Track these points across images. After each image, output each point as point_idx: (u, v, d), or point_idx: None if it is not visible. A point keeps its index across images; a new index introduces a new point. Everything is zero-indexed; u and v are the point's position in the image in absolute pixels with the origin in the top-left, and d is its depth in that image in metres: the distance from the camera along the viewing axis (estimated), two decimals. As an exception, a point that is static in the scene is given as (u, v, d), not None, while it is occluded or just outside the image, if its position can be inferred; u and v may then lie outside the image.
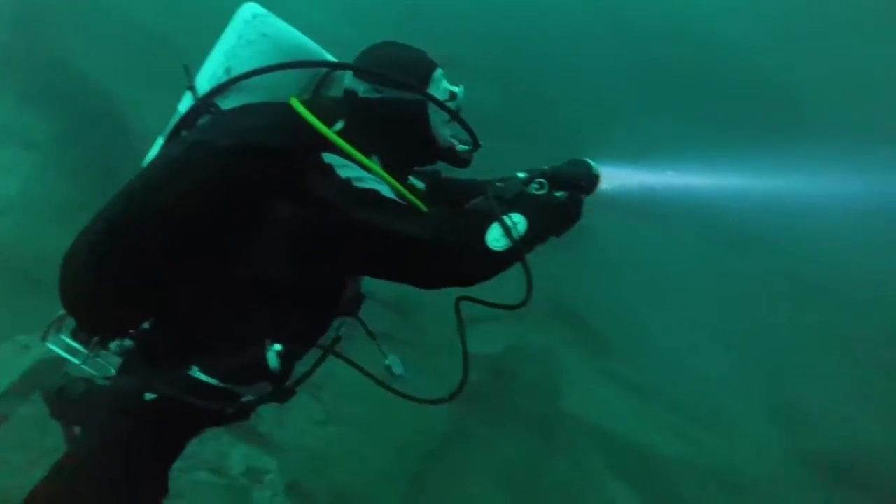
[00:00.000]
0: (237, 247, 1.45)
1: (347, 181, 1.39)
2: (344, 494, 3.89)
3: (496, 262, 1.34)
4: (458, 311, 1.52)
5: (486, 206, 1.37)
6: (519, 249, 1.31)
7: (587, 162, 1.44)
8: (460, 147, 1.66)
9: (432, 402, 1.63)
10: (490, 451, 4.99)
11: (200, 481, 3.58)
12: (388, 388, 1.70)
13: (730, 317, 8.29)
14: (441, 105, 1.55)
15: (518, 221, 1.32)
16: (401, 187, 1.47)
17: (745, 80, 11.07)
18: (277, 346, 1.41)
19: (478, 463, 4.80)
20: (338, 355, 1.74)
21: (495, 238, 1.32)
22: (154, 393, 1.40)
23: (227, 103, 1.55)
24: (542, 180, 1.39)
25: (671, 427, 6.51)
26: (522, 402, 5.73)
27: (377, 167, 1.44)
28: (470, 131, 1.64)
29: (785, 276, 8.96)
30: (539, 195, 1.38)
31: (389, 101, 1.53)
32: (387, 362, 1.78)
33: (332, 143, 1.43)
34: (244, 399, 1.49)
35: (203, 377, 1.40)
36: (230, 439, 4.08)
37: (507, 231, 1.31)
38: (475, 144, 1.67)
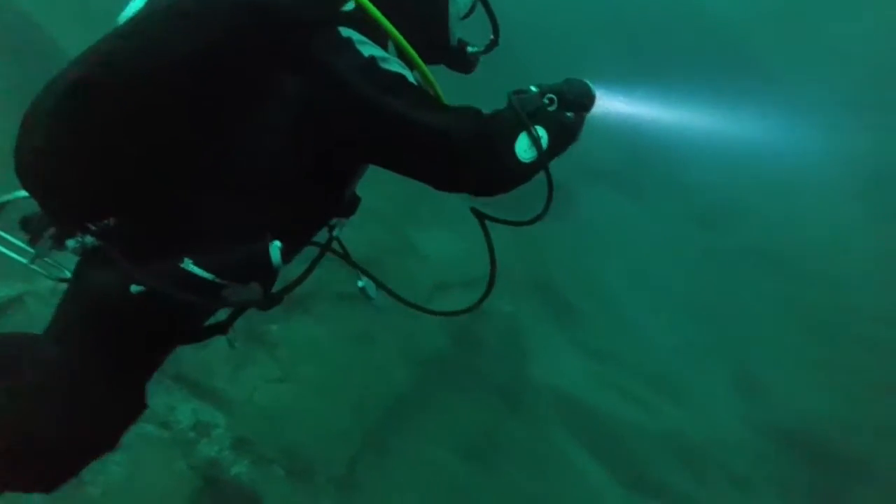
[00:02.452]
0: (237, 126, 1.27)
1: (372, 60, 1.26)
2: (294, 451, 3.84)
3: (523, 173, 1.32)
4: (478, 214, 1.44)
5: (512, 115, 1.32)
6: (544, 162, 1.31)
7: (585, 82, 1.42)
8: (470, 48, 1.58)
9: (453, 313, 1.59)
10: (450, 415, 4.98)
11: (146, 434, 3.50)
12: (403, 300, 1.65)
13: (697, 289, 8.39)
14: None
15: (542, 135, 1.31)
16: (430, 75, 1.37)
17: (723, 49, 11.04)
18: (277, 243, 1.28)
19: (437, 426, 4.78)
20: (337, 254, 1.63)
21: (524, 148, 1.29)
22: (142, 285, 1.22)
23: None
24: (552, 96, 1.36)
25: (633, 395, 6.59)
26: (487, 369, 5.72)
27: (408, 46, 1.32)
28: (494, 22, 1.56)
29: (752, 252, 9.07)
30: (552, 111, 1.35)
31: None
32: (360, 284, 1.68)
33: (363, 14, 1.27)
34: (233, 298, 1.32)
35: (197, 270, 1.24)
36: (181, 394, 3.99)
37: (536, 142, 1.29)
38: (495, 41, 1.59)
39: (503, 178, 1.33)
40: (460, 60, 1.59)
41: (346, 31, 1.29)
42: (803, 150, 10.15)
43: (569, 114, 1.36)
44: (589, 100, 1.40)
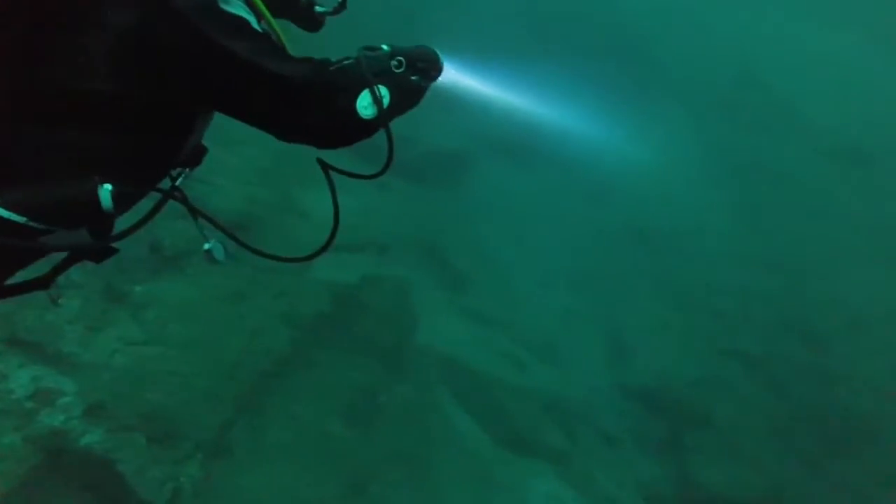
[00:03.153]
0: (59, 52, 1.14)
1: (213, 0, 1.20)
2: (158, 416, 3.56)
3: (362, 128, 1.33)
4: (323, 165, 1.44)
5: (357, 70, 1.32)
6: (384, 120, 1.32)
7: (435, 51, 1.44)
8: (317, 7, 1.59)
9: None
10: (331, 377, 4.87)
11: (-34, 405, 3.06)
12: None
13: (579, 261, 8.87)
14: None
15: (385, 95, 1.32)
16: (275, 24, 1.35)
17: (615, 39, 11.58)
18: (108, 186, 1.18)
19: (316, 387, 4.67)
20: (181, 201, 1.52)
21: (364, 105, 1.30)
22: None
23: None
24: (401, 59, 1.37)
25: (514, 359, 6.87)
26: (371, 332, 5.65)
27: None
28: None
29: (630, 229, 9.80)
30: (398, 74, 1.36)
31: None
32: (207, 246, 1.57)
33: None
34: (52, 243, 1.21)
35: (3, 213, 1.10)
36: (16, 360, 3.53)
37: (377, 101, 1.30)
38: (343, 4, 1.58)
39: (342, 131, 1.34)
40: (307, 18, 1.59)
41: None
42: (680, 140, 11.08)
43: (414, 78, 1.39)
44: (436, 70, 1.43)
